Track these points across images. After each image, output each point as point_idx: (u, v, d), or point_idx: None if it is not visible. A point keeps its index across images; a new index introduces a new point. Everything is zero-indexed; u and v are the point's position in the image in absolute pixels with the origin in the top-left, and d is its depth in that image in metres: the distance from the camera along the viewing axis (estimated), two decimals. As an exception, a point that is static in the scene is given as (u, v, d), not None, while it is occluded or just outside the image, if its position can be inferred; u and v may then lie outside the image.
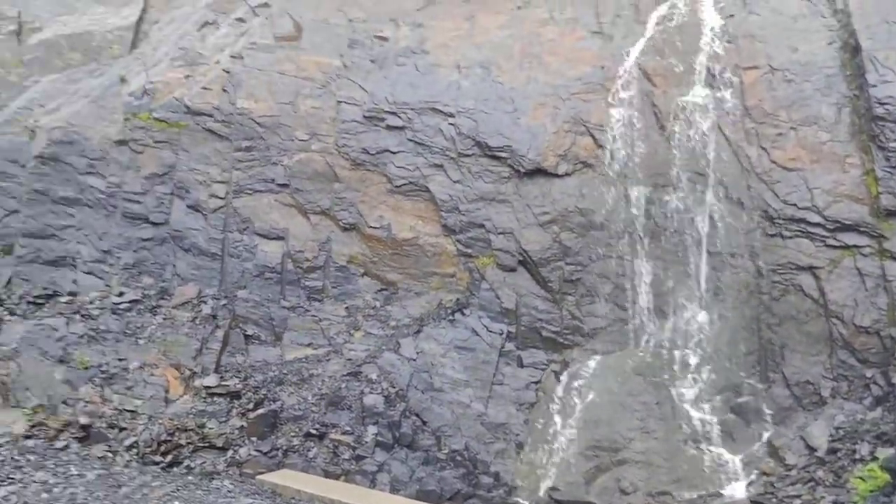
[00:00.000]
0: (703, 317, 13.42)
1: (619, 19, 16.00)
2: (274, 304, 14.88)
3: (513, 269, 14.33)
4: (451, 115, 15.19)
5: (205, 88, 15.97)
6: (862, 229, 12.72)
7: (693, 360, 13.24)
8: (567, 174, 14.45)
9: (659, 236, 13.91)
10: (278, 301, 14.95)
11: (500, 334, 14.01)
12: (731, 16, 15.12)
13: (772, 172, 13.47)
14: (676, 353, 13.35)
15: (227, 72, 16.11)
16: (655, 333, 13.62)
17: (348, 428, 12.76)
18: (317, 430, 12.75)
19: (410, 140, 15.28)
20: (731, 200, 13.70)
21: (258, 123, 15.68)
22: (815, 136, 13.35)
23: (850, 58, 13.65)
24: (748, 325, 13.18)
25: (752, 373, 13.03)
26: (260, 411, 12.96)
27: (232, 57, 16.34)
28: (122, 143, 15.77)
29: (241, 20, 17.26)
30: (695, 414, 12.69)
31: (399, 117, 15.42)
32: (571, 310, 13.98)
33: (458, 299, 14.58)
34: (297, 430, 12.86)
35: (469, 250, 14.66)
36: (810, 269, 12.91)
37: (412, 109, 15.42)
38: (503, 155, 14.70)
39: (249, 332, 14.55)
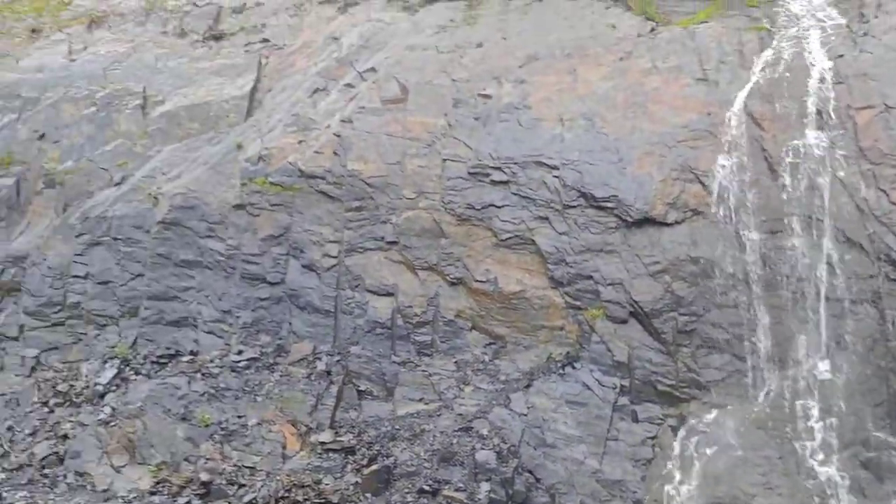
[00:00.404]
0: (825, 366, 12.87)
1: (724, 65, 15.84)
2: (385, 359, 15.07)
3: (624, 321, 14.12)
4: (556, 168, 15.24)
5: (317, 152, 16.54)
6: None
7: (816, 412, 12.69)
8: (677, 222, 14.24)
9: (775, 284, 13.50)
10: (389, 356, 15.11)
11: (613, 388, 13.76)
12: (841, 56, 14.79)
13: (892, 215, 12.98)
14: (799, 404, 12.83)
15: (338, 135, 16.65)
16: (776, 385, 13.13)
17: (461, 484, 12.68)
18: (430, 486, 12.70)
19: (515, 194, 15.38)
20: (851, 245, 13.22)
21: (367, 184, 16.10)
22: (939, 174, 12.83)
23: (972, 92, 13.14)
24: (875, 374, 12.58)
25: (882, 426, 12.38)
26: (374, 467, 13.02)
27: (342, 121, 16.91)
28: (239, 206, 16.44)
29: (349, 86, 17.87)
30: (821, 469, 12.15)
31: (503, 172, 15.56)
32: (687, 362, 13.64)
33: (567, 353, 14.44)
34: (410, 486, 12.84)
35: (577, 302, 14.54)
36: (941, 314, 12.31)
37: (516, 164, 15.56)
38: (610, 205, 14.62)
39: (362, 388, 14.75)
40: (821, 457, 12.23)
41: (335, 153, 16.54)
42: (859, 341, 12.77)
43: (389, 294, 15.50)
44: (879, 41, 14.65)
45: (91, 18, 22.62)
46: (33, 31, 22.77)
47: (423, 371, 14.88)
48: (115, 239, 16.77)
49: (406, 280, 15.57)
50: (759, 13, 17.27)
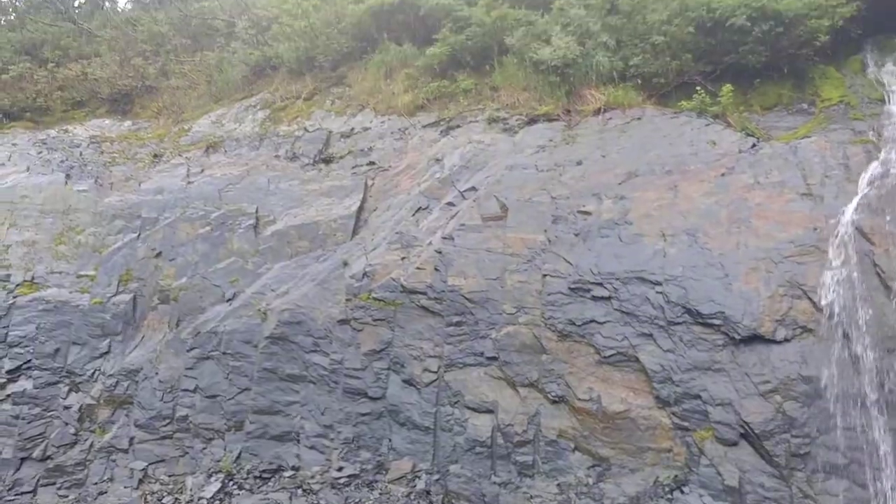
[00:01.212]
0: (958, 495, 12.04)
1: (829, 179, 15.60)
2: (485, 479, 14.84)
3: (734, 443, 13.57)
4: (659, 283, 15.09)
5: (418, 268, 16.91)
6: None
7: (951, 546, 11.80)
8: (786, 340, 13.80)
9: (895, 406, 12.81)
10: (489, 476, 14.89)
11: (724, 513, 13.14)
12: (955, 168, 14.38)
13: None
14: (930, 536, 11.96)
15: (439, 252, 17.02)
16: (902, 514, 12.31)
17: None
18: None
19: (617, 310, 15.26)
20: (977, 364, 12.51)
21: (467, 299, 16.28)
22: None
23: None
24: None
25: None
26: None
27: (443, 238, 17.30)
28: (343, 321, 16.83)
29: (451, 204, 18.34)
30: None
31: (605, 287, 15.50)
32: (802, 487, 12.94)
33: (675, 476, 13.91)
34: None
35: (685, 423, 14.10)
36: None
37: (617, 279, 15.49)
38: (716, 322, 14.31)
39: (461, 508, 14.55)
40: None
41: (436, 269, 16.85)
42: None
43: (489, 411, 15.40)
44: None
45: (208, 143, 24.11)
46: (155, 155, 24.41)
47: (525, 493, 14.57)
48: (225, 353, 17.35)
49: (506, 397, 15.47)
50: (864, 126, 17.06)
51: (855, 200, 14.82)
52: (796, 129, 17.89)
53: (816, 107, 18.63)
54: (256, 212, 20.64)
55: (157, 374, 17.72)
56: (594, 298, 15.52)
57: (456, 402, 15.66)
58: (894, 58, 19.37)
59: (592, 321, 15.35)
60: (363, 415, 16.03)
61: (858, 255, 14.03)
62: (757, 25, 18.52)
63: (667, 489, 13.72)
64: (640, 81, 20.08)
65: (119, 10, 36.66)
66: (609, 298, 15.39)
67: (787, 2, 18.58)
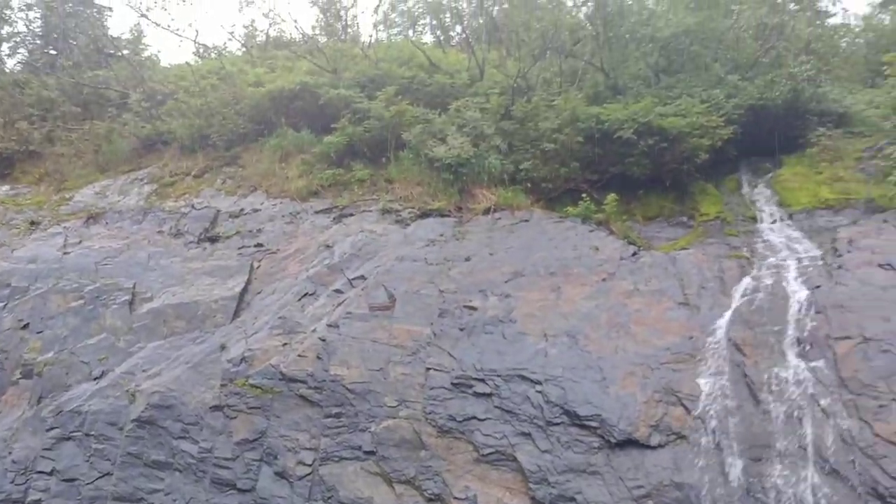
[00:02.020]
0: None
1: (705, 290, 16.25)
2: (355, 578, 14.32)
3: (606, 547, 13.58)
4: (539, 383, 15.20)
5: (300, 356, 16.52)
6: None
7: None
8: (660, 445, 14.02)
9: (761, 514, 13.12)
10: (359, 575, 14.39)
11: None
12: (818, 287, 15.21)
13: (876, 447, 12.83)
14: None
15: (323, 339, 16.72)
16: None
17: None
18: None
19: (497, 407, 15.23)
20: (836, 476, 12.97)
21: (349, 390, 15.97)
22: (921, 410, 12.84)
23: (947, 329, 13.43)
24: None
25: None
26: None
27: (328, 325, 17.03)
28: (216, 408, 16.17)
29: (338, 291, 18.17)
30: None
31: (486, 384, 15.50)
32: None
33: (550, 580, 13.76)
34: None
35: (559, 525, 14.04)
36: (933, 554, 11.89)
37: (499, 376, 15.53)
38: (593, 424, 14.46)
39: None
40: None
41: (318, 357, 16.52)
42: (851, 580, 12.26)
43: (364, 508, 14.99)
44: (853, 275, 15.15)
45: (89, 214, 23.34)
46: (32, 223, 23.42)
47: None
48: (87, 435, 16.35)
49: (382, 493, 15.06)
50: (738, 242, 18.00)
51: (728, 312, 15.45)
52: (676, 241, 18.71)
53: (695, 220, 19.61)
54: (133, 287, 19.90)
55: (10, 453, 16.50)
56: (476, 395, 15.48)
57: (329, 498, 15.14)
58: (766, 180, 20.72)
59: (473, 418, 15.26)
60: (230, 507, 15.30)
61: (730, 365, 14.53)
62: (643, 139, 19.51)
63: None
64: (529, 185, 20.73)
65: (7, 69, 35.56)
66: (490, 395, 15.38)
67: (671, 119, 19.70)
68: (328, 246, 19.90)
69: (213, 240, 21.43)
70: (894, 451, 12.67)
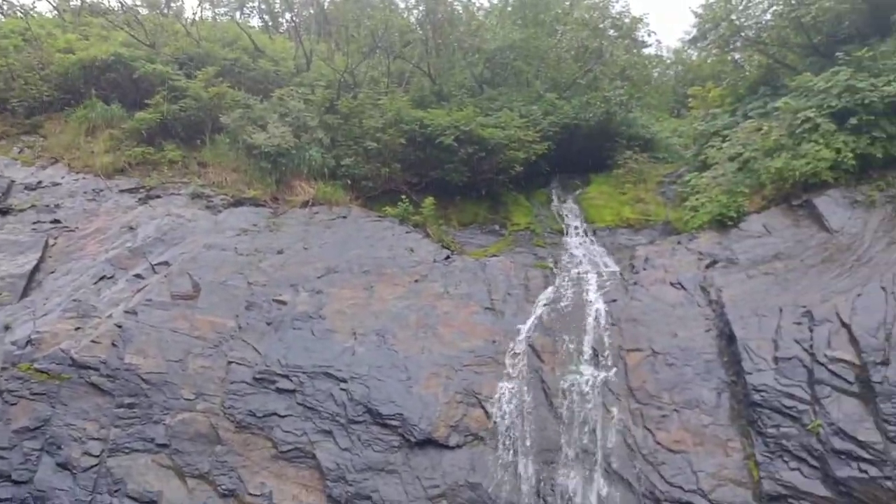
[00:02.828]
0: None
1: (510, 297, 16.74)
2: (136, 576, 13.65)
3: (399, 546, 13.67)
4: (344, 381, 15.11)
5: (93, 341, 15.54)
6: (746, 515, 12.85)
7: None
8: (458, 446, 14.30)
9: (548, 514, 13.67)
10: (141, 572, 13.74)
11: None
12: (615, 300, 16.05)
13: (657, 454, 13.68)
14: None
15: (119, 326, 15.83)
16: None
17: None
18: None
19: (300, 404, 15.00)
20: (620, 480, 13.72)
21: (144, 380, 15.21)
22: (698, 418, 13.79)
23: (726, 345, 14.50)
24: None
25: None
26: None
27: (126, 312, 16.14)
28: (-7, 393, 14.94)
29: (139, 276, 17.26)
30: None
31: (290, 380, 15.23)
32: (458, 592, 13.27)
33: (338, 578, 13.68)
34: None
35: (353, 523, 14.00)
36: (698, 554, 12.81)
37: (304, 373, 15.30)
38: (394, 423, 14.53)
39: None
40: None
41: (114, 344, 15.63)
42: (625, 578, 12.99)
43: (152, 502, 14.26)
44: (647, 291, 16.10)
45: None
46: None
47: (177, 591, 13.59)
48: None
49: (173, 488, 14.44)
50: (545, 253, 18.71)
51: (531, 320, 16.00)
52: (487, 248, 19.18)
53: (507, 229, 20.20)
54: None
55: None
56: (279, 391, 15.17)
57: (116, 491, 14.34)
58: (574, 196, 21.68)
59: (274, 414, 14.94)
60: (3, 500, 14.12)
61: (529, 371, 15.05)
62: (463, 147, 19.88)
63: (328, 593, 13.41)
64: (349, 181, 20.60)
65: None
66: (294, 392, 15.13)
67: (490, 130, 20.20)
68: (132, 228, 18.85)
69: (4, 212, 19.76)
70: (672, 458, 13.56)
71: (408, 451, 14.36)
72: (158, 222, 18.82)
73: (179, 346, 15.69)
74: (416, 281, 17.14)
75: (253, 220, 19.07)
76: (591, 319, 15.70)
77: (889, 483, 12.04)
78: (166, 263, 17.47)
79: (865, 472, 12.21)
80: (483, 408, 14.67)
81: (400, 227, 19.01)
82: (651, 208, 19.92)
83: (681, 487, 13.21)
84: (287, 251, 17.94)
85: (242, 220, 19.04)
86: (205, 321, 16.11)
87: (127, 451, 14.73)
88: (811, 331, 13.71)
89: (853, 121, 15.76)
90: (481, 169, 20.39)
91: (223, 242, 18.04)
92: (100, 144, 21.85)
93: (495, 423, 14.43)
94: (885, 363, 12.79)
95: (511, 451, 14.16)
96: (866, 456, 12.30)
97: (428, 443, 14.35)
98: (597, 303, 16.09)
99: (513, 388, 14.79)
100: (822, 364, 13.26)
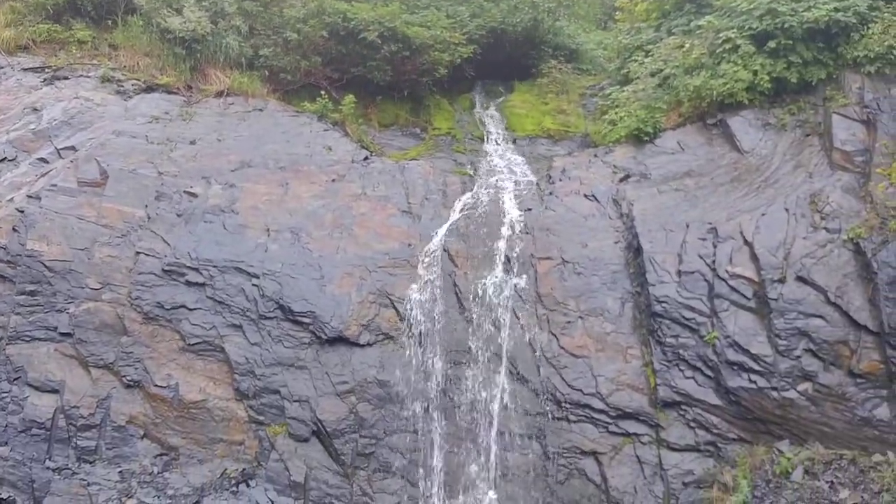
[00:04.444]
0: (493, 496, 13.49)
1: (428, 202, 16.74)
2: (38, 463, 13.55)
3: (305, 440, 13.90)
4: (256, 276, 15.01)
5: (-7, 226, 15.01)
6: (641, 418, 13.49)
7: (481, 542, 13.18)
8: (369, 344, 14.49)
9: (453, 413, 14.07)
10: (43, 461, 13.62)
11: (286, 509, 13.38)
12: (529, 209, 16.23)
13: (560, 358, 14.16)
14: (465, 533, 13.25)
15: (21, 211, 15.26)
16: (445, 513, 13.51)
17: None
18: None
19: (210, 298, 14.88)
20: (524, 382, 14.19)
21: (47, 267, 14.79)
22: (601, 326, 14.28)
23: (633, 257, 14.92)
24: (535, 506, 13.41)
25: (537, 555, 13.14)
26: (3, 588, 11.53)
27: (29, 196, 15.54)
28: None
29: (43, 160, 16.55)
30: None
31: (201, 273, 15.04)
32: (363, 485, 13.63)
33: (244, 469, 13.88)
34: None
35: (261, 417, 14.14)
36: (594, 454, 13.45)
37: (215, 267, 15.12)
38: (306, 320, 14.58)
39: (3, 496, 13.10)
40: (479, 586, 12.62)
41: (14, 229, 15.09)
42: (523, 475, 13.56)
43: (54, 391, 14.13)
44: (562, 202, 16.31)
45: None
46: None
47: (82, 480, 13.58)
48: None
49: (76, 377, 14.29)
50: (464, 159, 18.67)
51: (446, 225, 16.08)
52: (407, 150, 19.03)
53: (427, 133, 20.03)
54: None
55: None
56: (188, 283, 14.98)
57: (16, 379, 14.12)
58: (497, 103, 21.56)
59: (182, 306, 14.80)
60: None
61: (443, 275, 15.21)
62: (387, 45, 19.40)
63: (233, 482, 13.63)
64: (267, 73, 19.94)
65: None
66: (203, 285, 14.96)
67: (415, 29, 19.75)
68: (36, 109, 17.92)
69: None
70: (574, 362, 14.07)
71: (318, 348, 14.49)
72: (65, 105, 17.95)
73: (85, 235, 15.26)
74: (334, 180, 16.94)
75: (165, 107, 18.36)
76: (505, 226, 15.87)
77: (775, 393, 12.79)
78: (73, 148, 16.78)
79: (755, 382, 12.93)
80: (395, 308, 14.83)
81: (318, 123, 18.61)
82: (572, 120, 19.99)
83: (581, 391, 13.77)
84: (200, 142, 17.42)
85: (154, 107, 18.31)
86: (112, 210, 15.65)
87: (28, 339, 14.45)
88: (715, 247, 14.20)
89: (772, 44, 15.97)
90: (405, 69, 19.98)
91: (133, 129, 17.38)
92: (0, 17, 20.53)
93: (407, 323, 14.63)
94: (782, 281, 13.39)
95: (421, 351, 14.43)
96: (757, 368, 13.01)
97: (339, 340, 14.49)
98: (512, 211, 16.24)
99: (426, 291, 14.95)
100: (723, 279, 13.81)
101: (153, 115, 18.02)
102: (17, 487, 13.28)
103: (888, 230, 13.09)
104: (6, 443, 13.62)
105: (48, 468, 13.56)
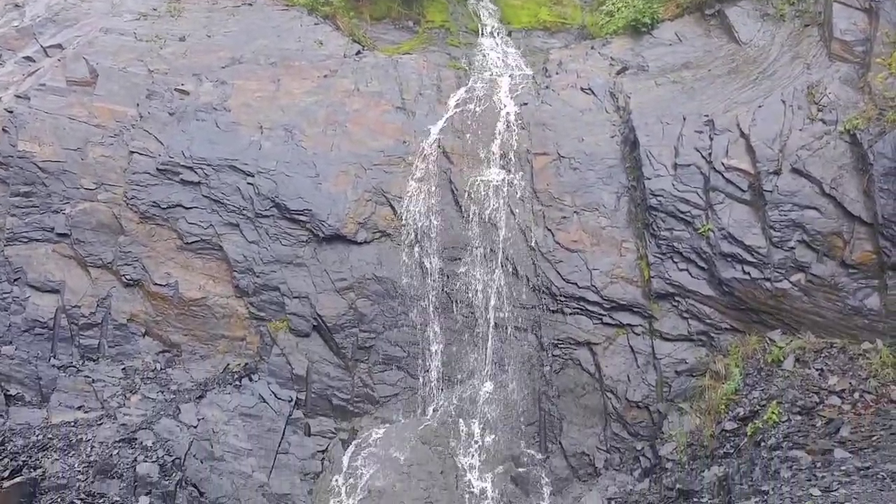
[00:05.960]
0: (489, 387, 13.83)
1: (422, 97, 16.53)
2: (43, 361, 13.79)
3: (306, 335, 14.14)
4: (251, 175, 14.95)
5: (-19, 126, 14.84)
6: (635, 309, 13.70)
7: (478, 430, 13.52)
8: (366, 242, 14.57)
9: (450, 307, 14.28)
10: (48, 359, 13.87)
11: (289, 401, 13.70)
12: (525, 104, 16.06)
13: (555, 252, 14.27)
14: (463, 422, 13.59)
15: (10, 111, 15.07)
16: (443, 402, 13.84)
17: (118, 498, 12.02)
18: (82, 500, 11.85)
19: (206, 196, 14.87)
20: (518, 277, 14.34)
21: (41, 168, 14.72)
22: (597, 220, 14.33)
23: (629, 151, 14.86)
24: (530, 396, 13.73)
25: (532, 443, 13.52)
26: (16, 480, 11.86)
27: (17, 96, 15.32)
28: None
29: (30, 59, 16.26)
30: (477, 483, 12.91)
31: (195, 172, 14.98)
32: (363, 377, 13.95)
33: (246, 364, 14.15)
34: (59, 499, 11.93)
35: (261, 314, 14.34)
36: (588, 344, 13.71)
37: (209, 165, 15.05)
38: (302, 219, 14.61)
39: (12, 392, 13.37)
40: (478, 472, 13.03)
41: (5, 130, 14.95)
42: (519, 366, 13.87)
43: (55, 291, 14.27)
44: (558, 96, 16.13)
45: None
46: None
47: (86, 377, 13.83)
48: None
49: (75, 277, 14.42)
50: (458, 53, 18.33)
51: (441, 121, 15.93)
52: (400, 45, 18.64)
53: (421, 27, 19.57)
54: None
55: None
56: (183, 182, 14.94)
57: (17, 280, 14.24)
58: (493, -6, 21.01)
59: (178, 205, 14.80)
60: None
61: (438, 172, 15.16)
62: (376, -66, 18.78)
63: (236, 377, 13.91)
64: (256, -34, 19.34)
65: None
66: (199, 184, 14.93)
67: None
68: (17, 5, 17.54)
69: None
70: (570, 257, 14.18)
71: (316, 246, 14.57)
72: (48, 1, 17.52)
73: (77, 135, 15.12)
74: (326, 76, 16.67)
75: (153, 3, 17.90)
76: (501, 122, 15.73)
77: (768, 284, 12.94)
78: (59, 46, 16.45)
79: (748, 273, 13.06)
80: (391, 206, 14.84)
81: (308, 17, 18.18)
82: (568, 11, 19.54)
83: (575, 284, 13.93)
84: (189, 38, 17.06)
85: (141, 3, 17.85)
86: (104, 109, 15.46)
87: (25, 240, 14.51)
88: (711, 139, 14.11)
89: (775, -72, 15.53)
90: (396, -42, 19.43)
91: (121, 26, 16.99)
92: None
93: (403, 221, 14.67)
94: (777, 173, 13.36)
95: (418, 248, 14.53)
96: (750, 259, 13.11)
97: (336, 238, 14.56)
98: (508, 106, 16.06)
99: (421, 188, 14.93)
100: (719, 172, 13.78)
101: (140, 11, 17.61)
102: (25, 384, 13.54)
103: (885, 121, 12.97)
104: (10, 342, 13.81)
105: (53, 366, 13.80)
